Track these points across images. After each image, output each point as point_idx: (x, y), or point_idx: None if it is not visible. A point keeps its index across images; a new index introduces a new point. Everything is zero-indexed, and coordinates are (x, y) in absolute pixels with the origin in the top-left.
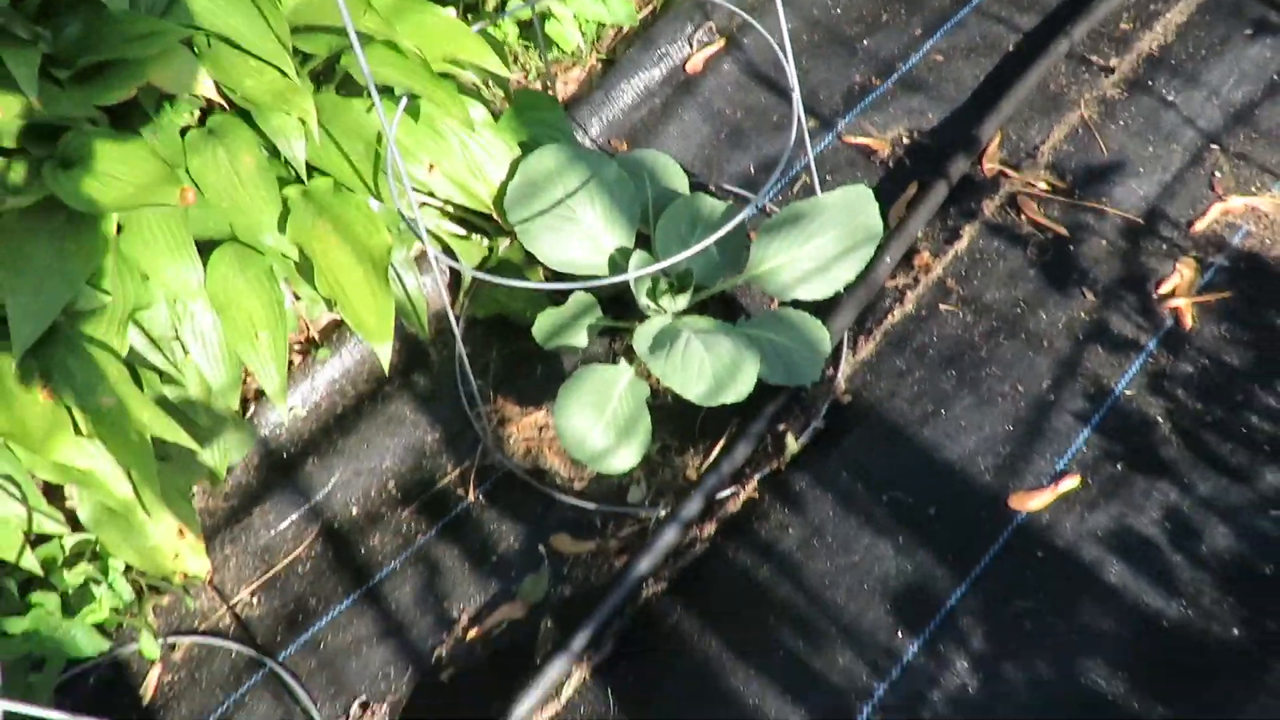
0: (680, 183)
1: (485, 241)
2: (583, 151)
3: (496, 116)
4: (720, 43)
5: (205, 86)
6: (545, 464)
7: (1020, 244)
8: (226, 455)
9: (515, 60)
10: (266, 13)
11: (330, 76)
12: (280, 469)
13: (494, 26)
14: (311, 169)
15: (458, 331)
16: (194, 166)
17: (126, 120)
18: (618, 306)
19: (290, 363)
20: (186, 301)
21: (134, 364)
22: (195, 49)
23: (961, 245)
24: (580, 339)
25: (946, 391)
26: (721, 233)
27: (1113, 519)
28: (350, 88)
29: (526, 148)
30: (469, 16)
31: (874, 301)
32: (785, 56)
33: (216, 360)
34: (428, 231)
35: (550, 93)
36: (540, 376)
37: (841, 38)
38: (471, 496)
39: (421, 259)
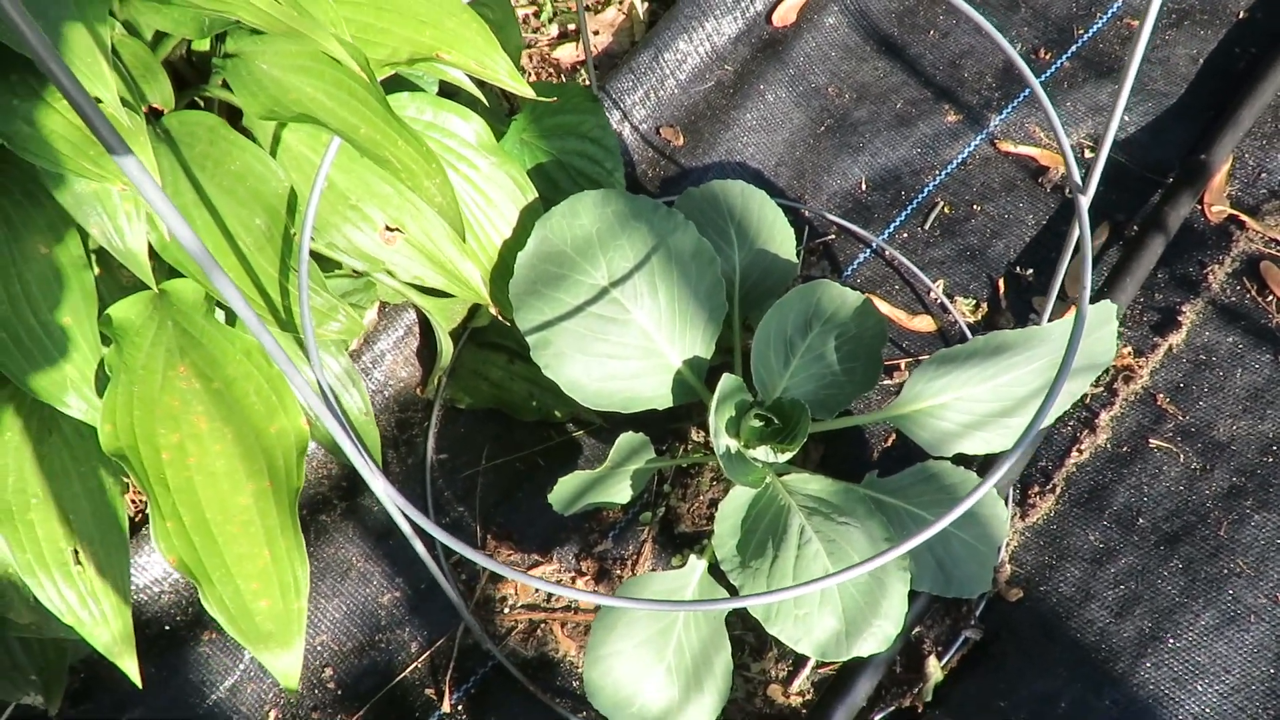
0: (783, 237)
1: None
2: (639, 202)
3: (500, 129)
4: None
5: None
6: (557, 652)
7: (1268, 341)
8: None
9: None
10: None
11: (205, 76)
12: (162, 647)
13: None
14: (164, 268)
15: (430, 446)
16: None
17: None
18: (667, 427)
19: None
20: None
21: None
22: None
23: (1178, 338)
24: (622, 493)
25: (1170, 596)
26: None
27: None
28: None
29: (546, 183)
30: None
31: (1050, 428)
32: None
33: None
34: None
35: (578, 52)
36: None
37: None
38: (447, 706)
39: (370, 344)
